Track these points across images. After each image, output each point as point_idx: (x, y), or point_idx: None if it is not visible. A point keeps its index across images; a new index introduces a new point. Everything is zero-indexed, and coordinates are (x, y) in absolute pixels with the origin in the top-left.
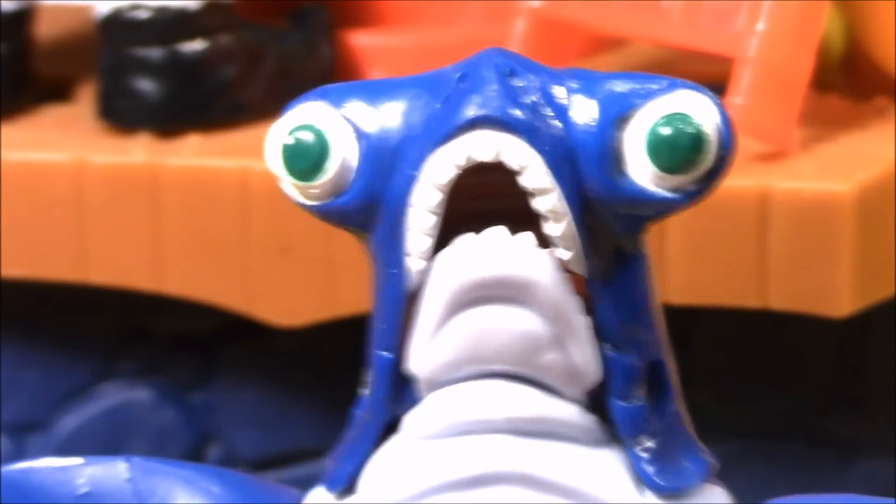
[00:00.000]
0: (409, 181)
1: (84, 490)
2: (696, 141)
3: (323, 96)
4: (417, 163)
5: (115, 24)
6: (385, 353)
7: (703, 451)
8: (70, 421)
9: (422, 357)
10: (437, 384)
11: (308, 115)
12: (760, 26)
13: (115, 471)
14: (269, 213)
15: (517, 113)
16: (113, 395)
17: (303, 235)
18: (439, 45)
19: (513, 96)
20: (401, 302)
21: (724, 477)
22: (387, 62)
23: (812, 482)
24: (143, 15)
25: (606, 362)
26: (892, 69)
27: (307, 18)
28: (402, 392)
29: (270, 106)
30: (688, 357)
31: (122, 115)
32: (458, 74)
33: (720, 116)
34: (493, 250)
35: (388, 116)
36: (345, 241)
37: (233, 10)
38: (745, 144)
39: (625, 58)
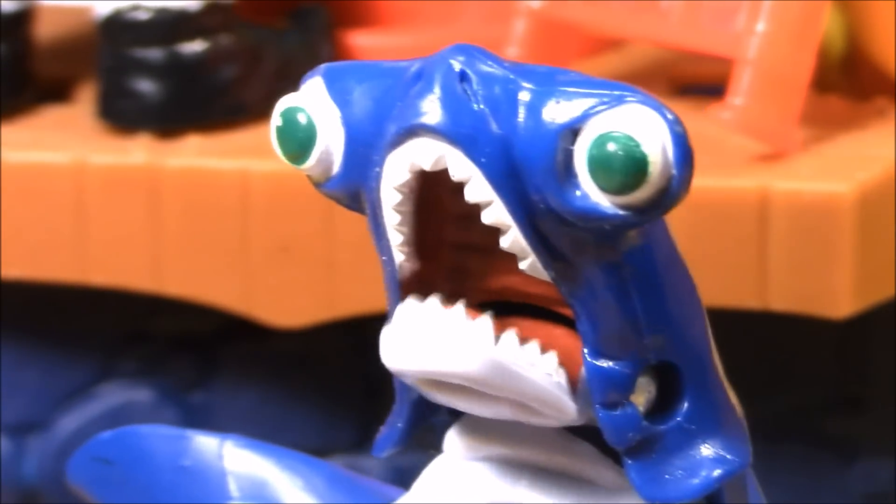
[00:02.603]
0: (377, 178)
1: (185, 463)
2: (632, 162)
3: (322, 74)
4: (380, 161)
5: (115, 25)
6: None
7: (737, 449)
8: (70, 421)
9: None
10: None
11: (302, 97)
12: (760, 26)
13: (212, 448)
14: (268, 214)
15: (456, 123)
16: (113, 395)
17: (302, 235)
18: (439, 46)
19: (456, 105)
20: (395, 287)
21: None
22: None
23: (812, 482)
24: (143, 15)
25: (587, 370)
26: (892, 69)
27: (307, 18)
28: None
29: (270, 106)
30: None
31: (122, 115)
32: (413, 73)
33: (671, 135)
34: (420, 342)
35: (367, 106)
36: (345, 241)
37: (233, 10)
38: (745, 144)
39: (625, 58)
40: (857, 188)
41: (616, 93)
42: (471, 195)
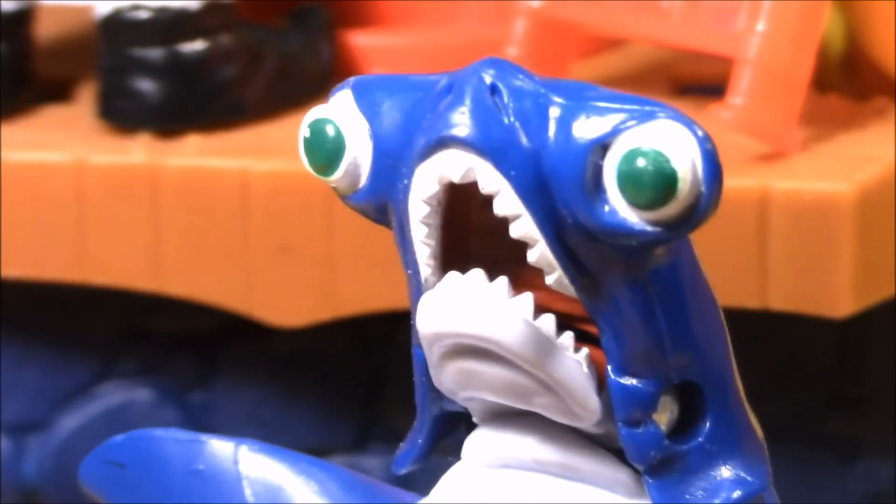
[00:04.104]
0: (405, 190)
1: (199, 467)
2: (662, 178)
3: (351, 86)
4: (408, 173)
5: (115, 24)
6: (418, 349)
7: (756, 471)
8: (70, 421)
9: (433, 376)
10: (458, 396)
11: (330, 109)
12: (760, 26)
13: (227, 452)
14: (268, 213)
15: (486, 136)
16: (113, 395)
17: (302, 235)
18: (439, 45)
19: (486, 117)
20: (419, 302)
21: None
22: (387, 62)
23: (812, 482)
24: (143, 15)
25: (610, 387)
26: (892, 69)
27: (307, 18)
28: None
29: (270, 106)
30: None
31: (122, 115)
32: (443, 86)
33: (700, 151)
34: (460, 304)
35: (396, 118)
36: (345, 241)
37: (233, 10)
38: (745, 144)
39: (625, 58)
40: (857, 188)
41: (646, 108)
42: (499, 208)
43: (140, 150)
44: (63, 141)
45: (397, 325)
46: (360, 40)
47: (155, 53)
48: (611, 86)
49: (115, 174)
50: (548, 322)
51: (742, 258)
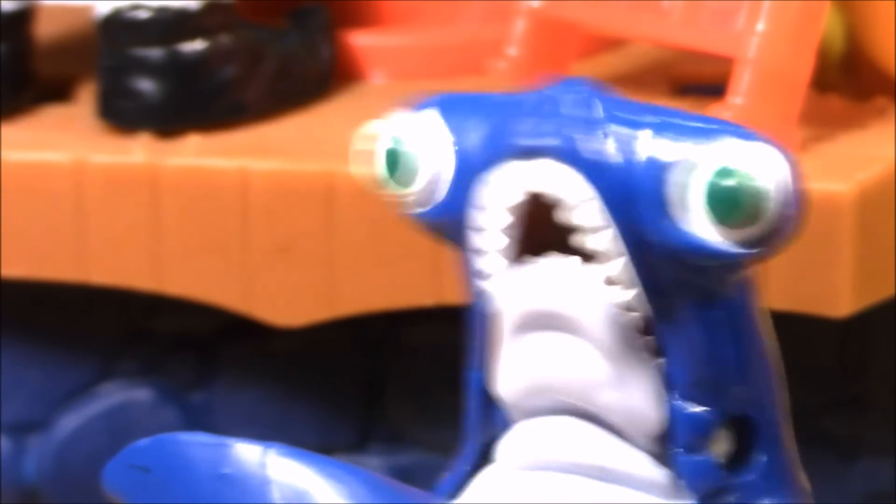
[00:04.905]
0: (482, 200)
1: (225, 471)
2: (750, 196)
3: (438, 103)
4: (486, 182)
5: (115, 24)
6: (475, 372)
7: None
8: (70, 421)
9: (499, 380)
10: (518, 409)
11: (415, 124)
12: (760, 26)
13: (254, 456)
14: (268, 213)
15: (581, 146)
16: (113, 395)
17: (302, 235)
18: (439, 45)
19: (581, 129)
20: (484, 321)
21: None
22: (387, 62)
23: (812, 482)
24: (143, 15)
25: (672, 411)
26: (892, 69)
27: (307, 18)
28: (493, 412)
29: (270, 106)
30: None
31: (122, 115)
32: (535, 99)
33: (789, 174)
34: (551, 282)
35: (482, 133)
36: (345, 241)
37: (233, 10)
38: None
39: (625, 58)
40: (857, 188)
41: (737, 129)
42: (583, 219)
43: (140, 150)
44: (63, 141)
45: (397, 325)
46: (360, 40)
47: (155, 53)
48: (611, 86)
49: (114, 174)
50: (635, 318)
51: None
